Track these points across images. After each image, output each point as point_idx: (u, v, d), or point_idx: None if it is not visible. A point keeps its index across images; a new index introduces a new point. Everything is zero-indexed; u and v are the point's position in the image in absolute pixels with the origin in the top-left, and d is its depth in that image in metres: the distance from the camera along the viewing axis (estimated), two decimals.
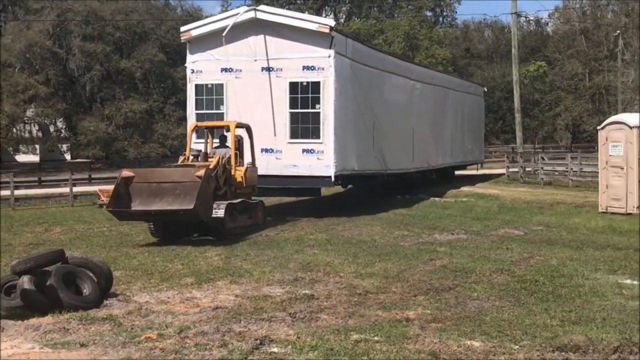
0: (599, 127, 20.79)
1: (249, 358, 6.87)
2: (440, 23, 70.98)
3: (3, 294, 9.13)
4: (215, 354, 7.03)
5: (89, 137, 49.67)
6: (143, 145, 50.92)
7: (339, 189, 24.67)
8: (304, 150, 19.27)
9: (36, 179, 33.43)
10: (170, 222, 15.29)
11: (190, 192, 14.36)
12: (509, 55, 45.67)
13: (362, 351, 6.99)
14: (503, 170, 35.23)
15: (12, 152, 57.92)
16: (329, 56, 19.03)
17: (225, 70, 20.08)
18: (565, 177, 29.69)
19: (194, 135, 18.28)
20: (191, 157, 16.69)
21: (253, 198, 17.55)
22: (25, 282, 8.90)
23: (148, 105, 50.71)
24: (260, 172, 17.98)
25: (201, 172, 14.67)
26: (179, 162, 16.80)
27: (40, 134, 56.32)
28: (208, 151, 17.29)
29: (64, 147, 63.99)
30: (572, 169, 29.52)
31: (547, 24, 77.17)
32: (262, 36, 19.59)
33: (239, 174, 16.81)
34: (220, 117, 19.72)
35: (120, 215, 15.37)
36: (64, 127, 55.81)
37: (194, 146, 17.69)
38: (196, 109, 20.44)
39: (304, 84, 19.30)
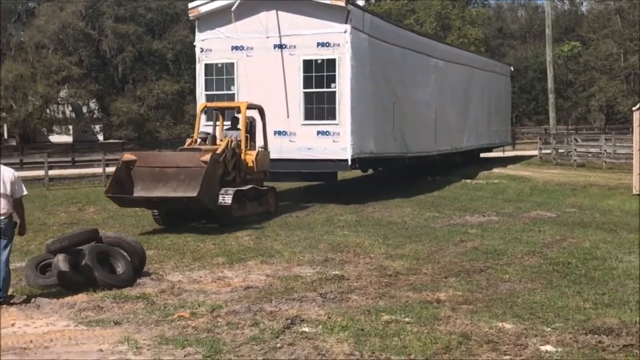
0: (634, 108, 20.46)
1: (280, 337, 6.92)
2: (473, 3, 70.20)
3: (38, 272, 9.30)
4: (247, 333, 7.10)
5: (121, 118, 50.05)
6: (174, 126, 51.16)
7: (357, 173, 23.95)
8: (319, 132, 18.16)
9: (70, 159, 33.83)
10: (175, 210, 14.58)
11: (195, 178, 13.57)
12: (543, 35, 45.07)
13: (393, 332, 7.00)
14: (535, 152, 34.88)
15: (46, 133, 58.62)
16: (345, 31, 17.90)
17: (235, 48, 18.94)
18: (599, 158, 29.33)
19: (204, 117, 17.61)
20: (199, 140, 15.86)
21: (265, 184, 16.67)
22: (60, 261, 9.04)
23: (179, 87, 50.89)
24: (273, 155, 17.04)
25: (207, 157, 13.86)
26: (186, 145, 15.94)
27: (73, 115, 56.88)
28: (218, 134, 16.53)
29: (97, 127, 64.59)
30: (605, 150, 29.15)
31: (582, 4, 75.94)
32: (274, 11, 18.47)
33: (249, 158, 15.83)
34: (231, 98, 18.76)
35: (121, 202, 14.66)
36: (97, 108, 56.30)
37: (206, 129, 17.04)
38: (206, 89, 19.38)
39: (319, 61, 18.21)
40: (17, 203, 8.55)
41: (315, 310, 7.92)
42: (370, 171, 25.06)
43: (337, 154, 18.01)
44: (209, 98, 18.88)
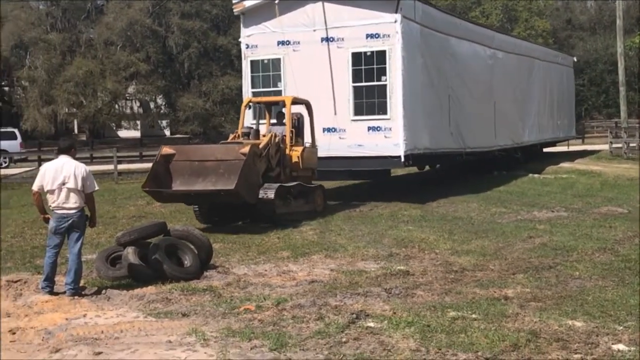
0: None
1: (345, 332, 6.91)
2: None
3: (109, 264, 9.51)
4: (312, 326, 7.11)
5: (187, 113, 50.77)
6: (239, 121, 51.68)
7: (414, 169, 23.15)
8: (369, 128, 17.25)
9: (138, 154, 34.49)
10: (216, 205, 14.04)
11: (234, 171, 13.03)
12: (613, 26, 43.87)
13: (459, 328, 6.91)
14: (605, 146, 34.00)
15: (114, 128, 60.02)
16: (395, 21, 16.90)
17: (282, 43, 18.21)
18: None
19: (250, 112, 17.14)
20: (243, 136, 15.27)
21: (314, 182, 15.97)
22: (129, 253, 9.24)
23: None
24: (321, 153, 16.47)
25: (246, 149, 13.28)
26: (228, 140, 15.37)
27: (141, 110, 58.03)
28: (265, 130, 16.07)
29: (164, 123, 65.77)
30: None
31: None
32: (320, 3, 17.61)
33: (295, 154, 15.21)
34: (278, 94, 17.99)
35: (159, 197, 14.17)
36: (164, 103, 57.29)
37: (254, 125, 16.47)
38: (252, 87, 18.75)
39: (368, 54, 17.25)
40: (88, 198, 8.76)
41: (380, 305, 7.89)
42: (426, 168, 24.61)
43: (389, 151, 17.06)
44: (256, 95, 18.24)
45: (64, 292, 8.64)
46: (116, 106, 52.02)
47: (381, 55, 17.20)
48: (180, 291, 8.69)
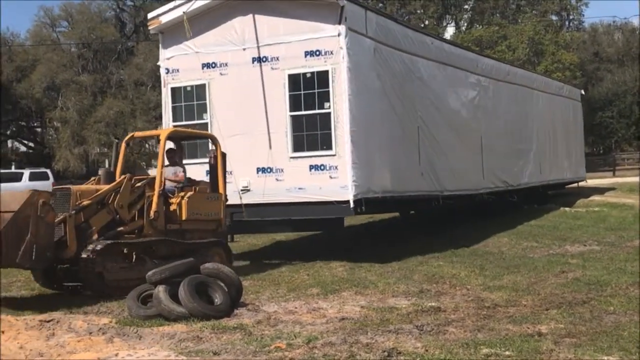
0: None
1: None
2: (567, 27, 68.72)
3: (140, 302, 9.56)
4: None
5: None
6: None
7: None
8: (311, 167, 14.21)
9: None
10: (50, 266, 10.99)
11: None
12: None
13: None
14: (636, 179, 33.63)
15: (145, 167, 60.68)
16: (339, 34, 13.86)
17: (207, 66, 15.20)
18: None
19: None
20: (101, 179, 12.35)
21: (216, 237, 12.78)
22: (160, 292, 9.28)
23: None
24: (255, 199, 14.15)
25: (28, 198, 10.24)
26: (85, 184, 12.68)
27: None
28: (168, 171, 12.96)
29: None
30: None
31: None
32: (250, 15, 14.73)
33: (175, 201, 12.13)
34: (204, 128, 15.04)
35: None
36: None
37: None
38: (174, 119, 15.65)
39: (308, 75, 14.27)
40: None
41: (412, 342, 7.81)
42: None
43: (335, 195, 13.92)
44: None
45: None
46: (147, 145, 52.63)
47: (323, 77, 14.17)
48: (211, 329, 8.68)
